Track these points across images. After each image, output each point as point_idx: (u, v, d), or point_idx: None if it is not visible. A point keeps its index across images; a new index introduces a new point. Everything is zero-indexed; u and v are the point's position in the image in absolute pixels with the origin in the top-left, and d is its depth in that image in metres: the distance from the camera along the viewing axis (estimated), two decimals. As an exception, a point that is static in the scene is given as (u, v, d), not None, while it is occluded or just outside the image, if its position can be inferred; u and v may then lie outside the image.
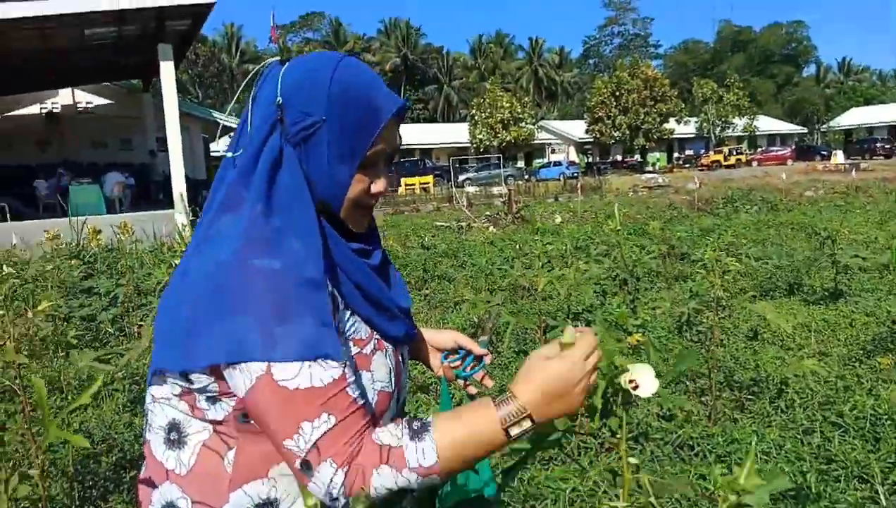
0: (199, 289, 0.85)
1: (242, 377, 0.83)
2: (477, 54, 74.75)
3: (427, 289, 6.51)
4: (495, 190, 26.88)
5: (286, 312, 0.83)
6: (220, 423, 0.90)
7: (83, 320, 5.44)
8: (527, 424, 0.86)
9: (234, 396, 0.87)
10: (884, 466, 2.57)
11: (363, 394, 0.90)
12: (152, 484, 0.95)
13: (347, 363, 0.88)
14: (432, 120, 65.67)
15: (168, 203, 14.65)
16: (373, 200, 0.98)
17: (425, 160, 39.04)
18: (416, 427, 0.86)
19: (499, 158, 37.51)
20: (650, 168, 42.90)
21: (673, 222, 12.18)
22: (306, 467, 0.82)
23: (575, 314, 3.95)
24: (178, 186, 14.02)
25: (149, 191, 19.03)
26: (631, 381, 1.04)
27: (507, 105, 40.58)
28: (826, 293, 5.80)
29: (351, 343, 0.94)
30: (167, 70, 13.74)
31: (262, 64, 0.97)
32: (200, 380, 0.88)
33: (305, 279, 0.85)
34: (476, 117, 41.68)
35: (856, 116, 59.60)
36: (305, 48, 44.04)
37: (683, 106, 45.30)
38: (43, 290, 5.91)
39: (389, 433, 0.86)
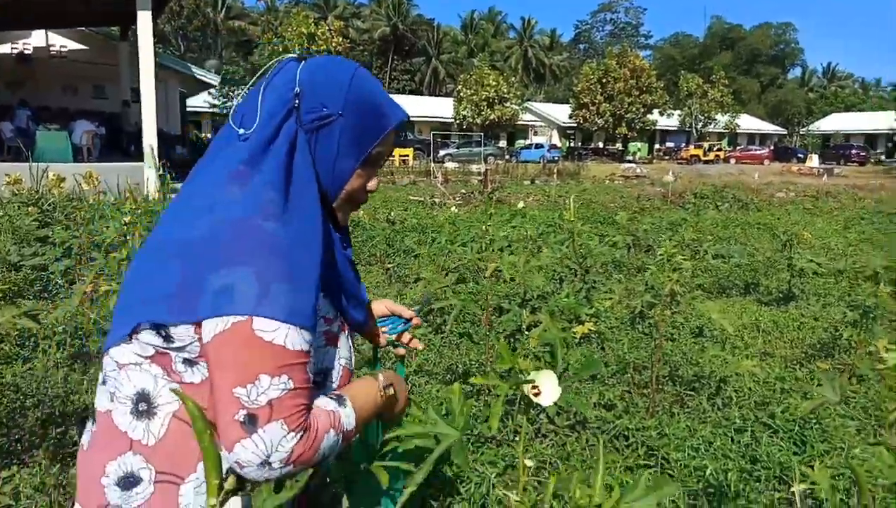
0: (200, 245, 0.88)
1: (217, 323, 0.84)
2: (468, 30, 73.94)
3: (390, 263, 6.49)
4: (474, 168, 26.78)
5: (286, 274, 0.87)
6: (192, 389, 0.91)
7: (34, 269, 5.32)
8: (391, 391, 1.10)
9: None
10: (805, 469, 2.64)
11: (314, 375, 0.96)
12: (106, 455, 0.93)
13: (312, 345, 0.92)
14: (418, 92, 65.00)
15: (138, 156, 14.32)
16: (365, 196, 1.09)
17: (407, 132, 38.71)
18: (334, 397, 0.97)
19: (481, 136, 37.35)
20: (630, 158, 43.09)
21: (644, 214, 12.29)
22: (250, 421, 0.82)
23: (523, 301, 3.95)
24: (149, 139, 13.69)
25: (119, 142, 18.57)
26: (534, 388, 1.03)
27: (494, 83, 40.30)
28: (780, 295, 5.91)
29: (322, 321, 1.03)
30: (144, 20, 13.32)
31: (278, 59, 1.06)
32: (182, 338, 0.88)
33: (308, 255, 0.92)
34: (462, 93, 41.35)
35: (835, 122, 60.47)
36: (294, 9, 43.04)
37: (668, 98, 45.45)
38: (-6, 237, 5.76)
39: (326, 401, 0.95)
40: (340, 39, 34.21)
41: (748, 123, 57.07)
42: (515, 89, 43.09)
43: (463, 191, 16.08)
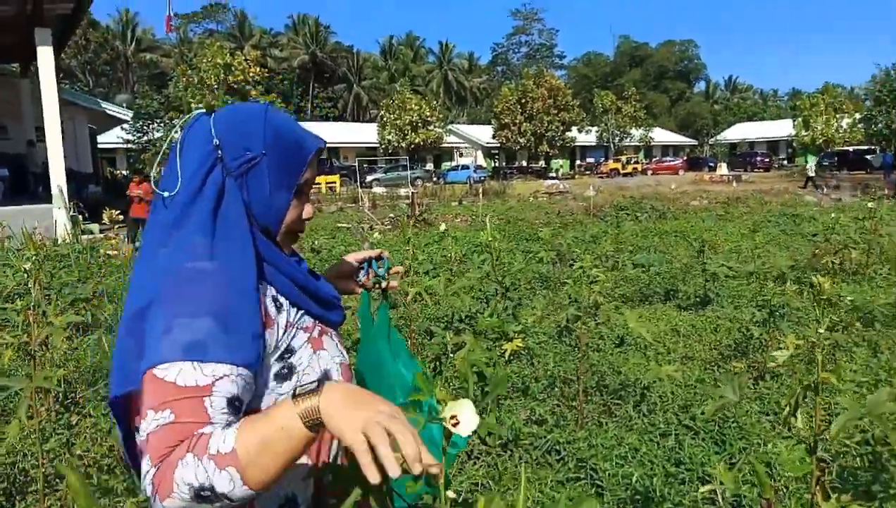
0: (137, 302, 0.94)
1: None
2: (387, 55, 74.47)
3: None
4: (402, 191, 26.84)
5: (190, 309, 0.90)
6: None
7: (-72, 326, 4.94)
8: (313, 402, 0.81)
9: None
10: (721, 468, 2.74)
11: (235, 411, 0.90)
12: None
13: (239, 375, 0.90)
14: (341, 119, 64.79)
15: (47, 197, 13.61)
16: (302, 224, 1.14)
17: (332, 159, 38.44)
18: (231, 421, 0.88)
19: (407, 159, 37.51)
20: (553, 174, 44.25)
21: (567, 228, 12.62)
22: (141, 454, 0.85)
23: (449, 323, 3.97)
24: (58, 180, 13.05)
25: (26, 183, 17.64)
26: (452, 417, 1.02)
27: (417, 107, 40.67)
28: (697, 300, 6.17)
29: (302, 331, 1.07)
30: (45, 55, 12.76)
31: (189, 115, 1.10)
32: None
33: (229, 281, 0.95)
34: (385, 118, 41.49)
35: (739, 131, 64.20)
36: (207, 40, 42.15)
37: (585, 115, 47.05)
38: None
39: (212, 427, 0.85)
40: (258, 69, 33.80)
41: (661, 135, 59.76)
42: (438, 112, 43.60)
43: (391, 215, 16.07)
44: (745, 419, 3.30)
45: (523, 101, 44.06)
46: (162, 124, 29.51)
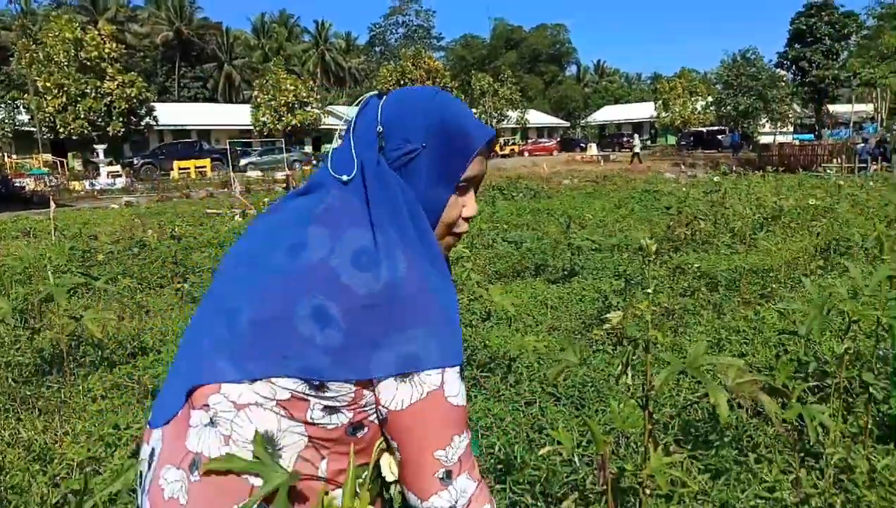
0: (368, 299, 0.87)
1: (412, 390, 0.88)
2: (260, 34, 71.43)
3: (181, 284, 6.02)
4: (279, 175, 25.98)
5: (452, 325, 0.91)
6: (323, 433, 0.91)
7: None
8: None
9: (356, 407, 0.91)
10: (582, 429, 2.87)
11: None
12: (221, 504, 0.86)
13: None
14: (212, 100, 61.55)
15: None
16: (465, 223, 1.07)
17: (202, 142, 36.40)
18: None
19: (283, 142, 36.30)
20: (434, 156, 44.63)
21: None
22: (447, 476, 0.90)
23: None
24: None
25: None
26: None
27: (292, 88, 39.35)
28: (564, 273, 6.44)
29: None
30: None
31: (362, 97, 1.06)
32: (339, 390, 0.89)
33: (454, 300, 0.95)
34: (259, 99, 39.84)
35: (608, 113, 67.90)
36: (55, 12, 38.48)
37: (464, 97, 47.74)
38: None
39: None
40: (114, 45, 31.28)
41: (536, 117, 61.87)
42: (316, 93, 42.51)
43: (266, 200, 15.50)
44: (604, 383, 3.47)
45: (402, 82, 43.94)
46: (3, 105, 26.62)
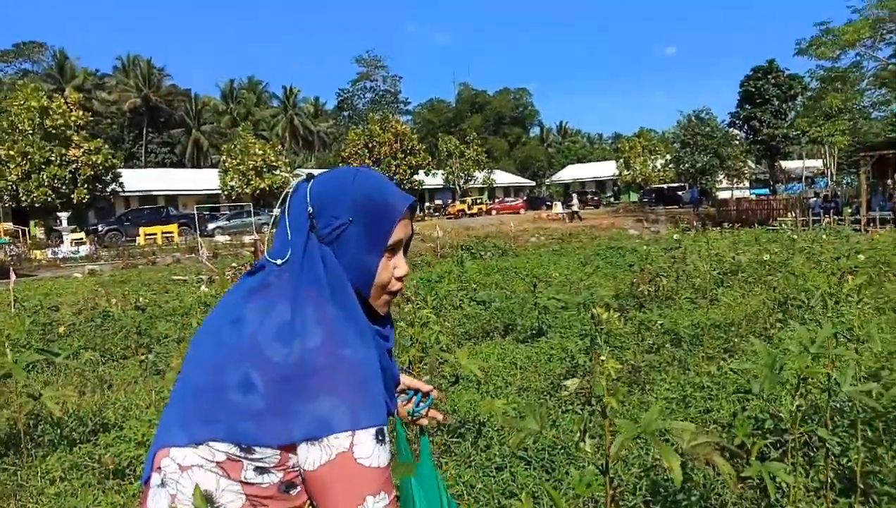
0: (288, 370, 0.95)
1: (321, 452, 0.94)
2: (228, 99, 72.19)
3: (145, 355, 5.91)
4: (247, 239, 25.85)
5: (365, 393, 0.97)
6: (258, 491, 0.98)
7: None
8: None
9: (285, 468, 0.98)
10: (554, 490, 2.87)
11: None
12: None
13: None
14: (180, 165, 61.49)
15: None
16: (398, 283, 1.15)
17: (169, 208, 36.20)
18: None
19: (251, 205, 36.30)
20: (403, 217, 44.93)
21: (415, 270, 12.82)
22: None
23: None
24: None
25: None
26: None
27: (261, 152, 39.63)
28: (532, 332, 6.50)
29: None
30: None
31: (292, 183, 1.15)
32: (264, 452, 0.96)
33: (375, 367, 1.01)
34: (228, 164, 39.94)
35: (572, 172, 69.74)
36: (20, 81, 38.50)
37: (431, 159, 48.59)
38: None
39: None
40: (81, 113, 31.29)
41: (502, 177, 63.14)
42: (284, 157, 42.84)
43: (234, 265, 15.38)
44: (572, 445, 3.49)
45: (370, 145, 44.61)
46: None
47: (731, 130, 42.06)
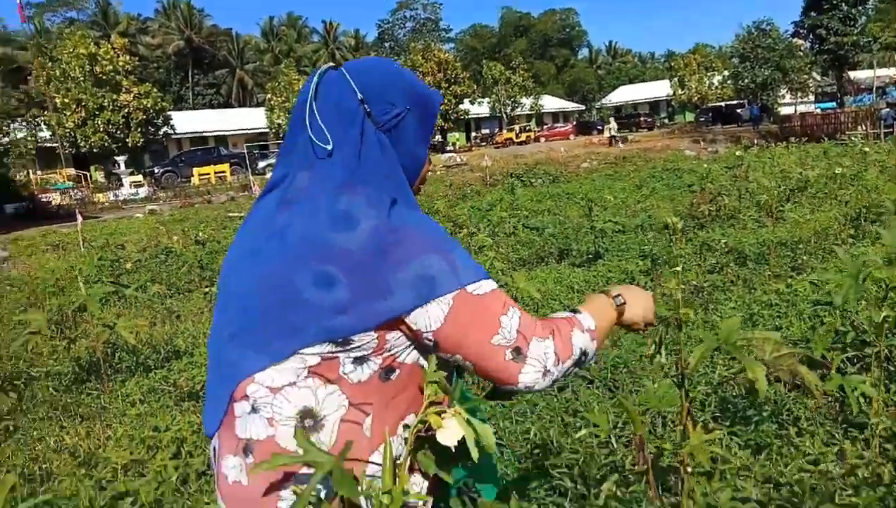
0: (362, 254, 0.92)
1: (439, 307, 0.93)
2: (269, 37, 71.68)
3: (209, 288, 6.09)
4: (297, 176, 26.09)
5: (453, 246, 0.97)
6: (359, 390, 0.95)
7: None
8: (621, 300, 1.17)
9: (383, 352, 0.95)
10: (617, 411, 2.85)
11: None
12: (278, 482, 0.93)
13: None
14: (227, 105, 61.99)
15: None
16: (425, 179, 1.18)
17: (220, 148, 36.76)
18: (568, 308, 1.11)
19: (300, 143, 36.45)
20: (450, 148, 44.52)
21: (466, 200, 12.73)
22: (517, 353, 0.96)
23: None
24: None
25: None
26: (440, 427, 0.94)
27: (305, 88, 39.52)
28: (588, 256, 6.39)
29: None
30: None
31: (318, 69, 1.09)
32: (363, 338, 0.93)
33: (438, 226, 1.01)
34: (273, 102, 40.07)
35: (623, 94, 67.03)
36: (67, 29, 38.98)
37: (476, 87, 47.48)
38: None
39: (558, 313, 1.08)
40: (128, 58, 31.62)
41: (550, 102, 61.35)
42: (328, 92, 42.63)
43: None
44: (636, 364, 3.45)
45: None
46: (24, 123, 27.10)
47: (794, 40, 39.35)
